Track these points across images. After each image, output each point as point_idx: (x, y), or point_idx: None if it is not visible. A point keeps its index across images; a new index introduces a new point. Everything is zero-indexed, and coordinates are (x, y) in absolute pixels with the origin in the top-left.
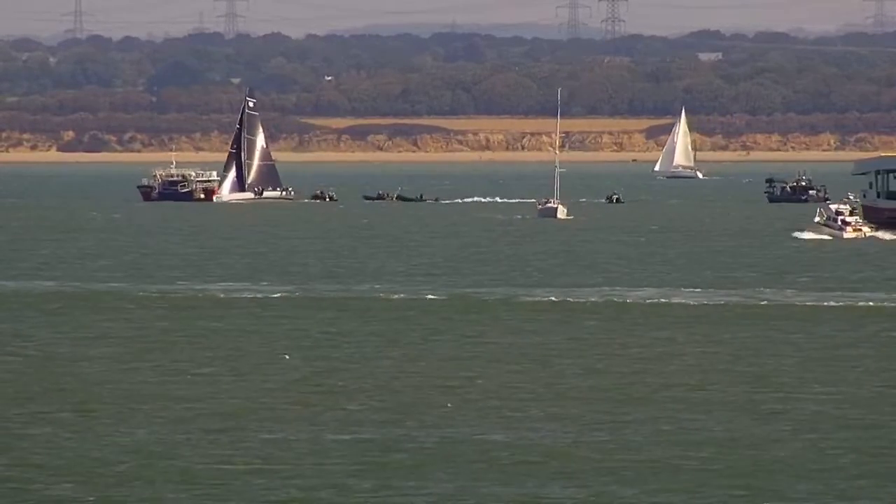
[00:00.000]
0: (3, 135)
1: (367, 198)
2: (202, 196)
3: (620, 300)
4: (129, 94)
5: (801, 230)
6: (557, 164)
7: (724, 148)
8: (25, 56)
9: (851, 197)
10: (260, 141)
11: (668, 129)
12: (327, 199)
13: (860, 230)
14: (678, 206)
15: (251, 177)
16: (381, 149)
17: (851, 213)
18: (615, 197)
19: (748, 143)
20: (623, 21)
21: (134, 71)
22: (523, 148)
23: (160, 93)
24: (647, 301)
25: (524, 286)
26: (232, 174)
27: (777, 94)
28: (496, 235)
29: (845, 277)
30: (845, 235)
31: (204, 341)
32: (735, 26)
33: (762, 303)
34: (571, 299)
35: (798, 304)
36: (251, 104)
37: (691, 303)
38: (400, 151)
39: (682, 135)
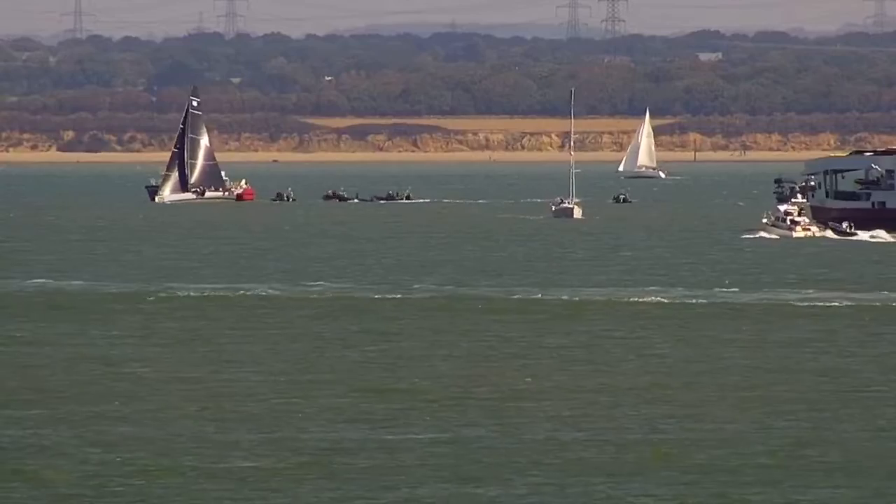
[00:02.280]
0: (3, 135)
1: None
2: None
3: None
4: (129, 94)
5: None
6: (573, 165)
7: (724, 148)
8: (25, 56)
9: (799, 196)
10: (204, 141)
11: (669, 130)
12: (338, 199)
13: (809, 230)
14: (684, 206)
15: (194, 177)
16: (381, 149)
17: (800, 213)
18: (622, 196)
19: (748, 143)
20: (623, 21)
21: (134, 71)
22: (523, 148)
23: (160, 93)
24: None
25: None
26: (175, 174)
27: (777, 94)
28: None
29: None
30: (795, 235)
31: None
32: (735, 26)
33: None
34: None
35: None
36: (195, 104)
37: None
38: (400, 151)
39: (645, 135)
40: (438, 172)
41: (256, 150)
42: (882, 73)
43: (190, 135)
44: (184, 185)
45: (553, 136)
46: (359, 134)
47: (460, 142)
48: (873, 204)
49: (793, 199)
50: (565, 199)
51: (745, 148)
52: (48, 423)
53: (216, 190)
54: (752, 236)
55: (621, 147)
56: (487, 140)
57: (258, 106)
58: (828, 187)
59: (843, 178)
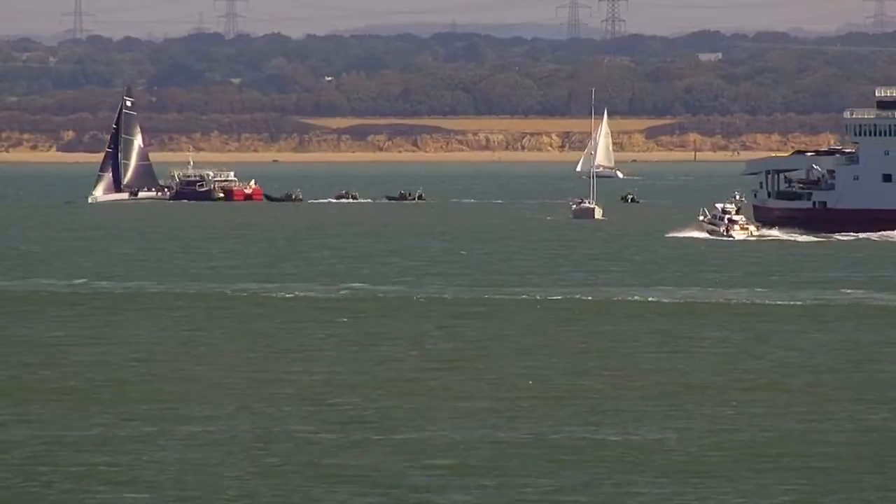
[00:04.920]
0: (3, 135)
1: (389, 198)
2: (221, 195)
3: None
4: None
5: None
6: (593, 165)
7: (724, 148)
8: (25, 56)
9: (738, 196)
10: (137, 141)
11: (669, 130)
12: (350, 200)
13: (747, 229)
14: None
15: (128, 177)
16: (381, 149)
17: (738, 212)
18: (629, 197)
19: (748, 143)
20: (623, 21)
21: (134, 71)
22: (523, 148)
23: (160, 93)
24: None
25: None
26: (108, 175)
27: (777, 94)
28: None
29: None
30: (734, 235)
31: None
32: (735, 26)
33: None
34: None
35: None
36: (129, 104)
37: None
38: (400, 151)
39: (603, 135)
40: (462, 172)
41: (256, 151)
42: (882, 73)
43: (123, 135)
44: (118, 185)
45: (553, 136)
46: (359, 134)
47: (460, 142)
48: (814, 204)
49: (729, 198)
50: (585, 198)
51: (744, 148)
52: None
53: (150, 190)
54: (679, 235)
55: (621, 147)
56: (487, 140)
57: (258, 106)
58: (769, 188)
59: (784, 178)
